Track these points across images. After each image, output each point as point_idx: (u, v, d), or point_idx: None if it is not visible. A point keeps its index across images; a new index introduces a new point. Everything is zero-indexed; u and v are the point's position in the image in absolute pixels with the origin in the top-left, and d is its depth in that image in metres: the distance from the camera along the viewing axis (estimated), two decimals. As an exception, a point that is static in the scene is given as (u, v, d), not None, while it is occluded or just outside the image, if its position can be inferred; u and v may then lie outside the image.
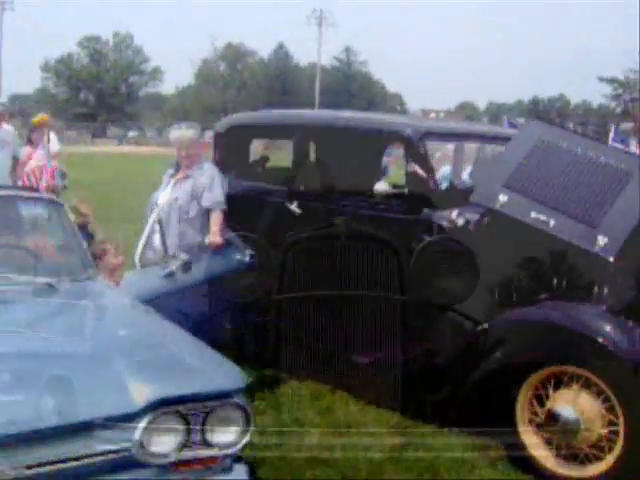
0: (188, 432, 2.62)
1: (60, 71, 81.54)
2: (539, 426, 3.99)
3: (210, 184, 5.02)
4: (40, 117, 7.80)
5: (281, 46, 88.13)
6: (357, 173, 5.23)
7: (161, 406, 2.58)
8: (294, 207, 4.93)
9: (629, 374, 3.67)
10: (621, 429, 3.73)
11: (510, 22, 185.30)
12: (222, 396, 2.68)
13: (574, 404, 3.86)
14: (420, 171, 4.59)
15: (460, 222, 4.35)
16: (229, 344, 4.63)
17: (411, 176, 4.64)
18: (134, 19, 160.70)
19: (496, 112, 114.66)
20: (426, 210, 4.51)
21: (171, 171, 5.26)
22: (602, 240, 4.06)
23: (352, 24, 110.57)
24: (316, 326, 4.33)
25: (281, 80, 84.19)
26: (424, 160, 4.60)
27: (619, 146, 10.04)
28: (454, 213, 4.39)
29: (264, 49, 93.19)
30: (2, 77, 63.64)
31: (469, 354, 4.35)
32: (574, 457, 3.91)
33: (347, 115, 6.05)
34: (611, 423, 3.79)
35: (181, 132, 5.18)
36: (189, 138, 5.10)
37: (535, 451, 3.97)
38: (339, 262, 4.51)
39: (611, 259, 3.98)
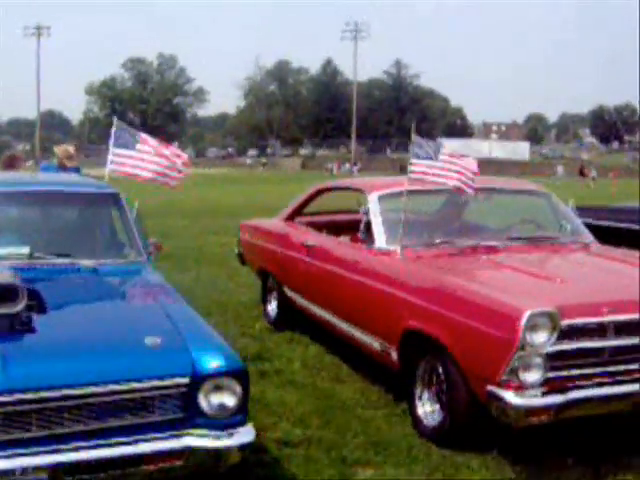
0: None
1: (104, 93, 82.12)
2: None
3: None
4: None
5: (329, 62, 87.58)
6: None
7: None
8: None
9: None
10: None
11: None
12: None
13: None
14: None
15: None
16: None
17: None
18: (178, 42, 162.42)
19: (566, 123, 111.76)
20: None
21: None
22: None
23: (403, 35, 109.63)
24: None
25: (330, 95, 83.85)
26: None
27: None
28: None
29: (312, 66, 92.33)
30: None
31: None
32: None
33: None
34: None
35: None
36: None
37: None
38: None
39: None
